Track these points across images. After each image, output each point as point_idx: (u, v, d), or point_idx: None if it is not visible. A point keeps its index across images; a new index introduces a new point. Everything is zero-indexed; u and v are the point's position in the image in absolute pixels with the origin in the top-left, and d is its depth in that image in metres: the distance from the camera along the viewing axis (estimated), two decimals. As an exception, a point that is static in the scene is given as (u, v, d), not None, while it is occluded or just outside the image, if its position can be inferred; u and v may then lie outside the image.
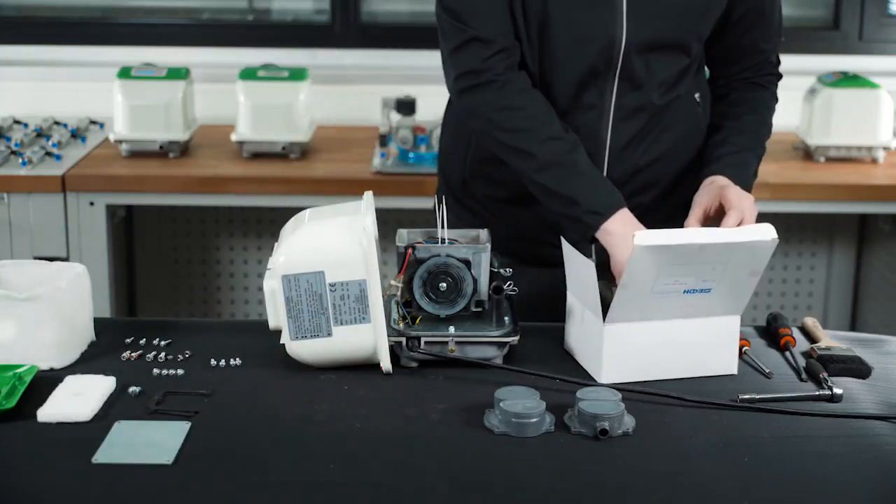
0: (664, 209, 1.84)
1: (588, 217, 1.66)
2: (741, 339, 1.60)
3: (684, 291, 1.51)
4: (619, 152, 1.78)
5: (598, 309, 1.51)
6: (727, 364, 1.55)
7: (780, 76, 1.94)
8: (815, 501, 1.24)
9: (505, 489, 1.24)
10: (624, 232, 1.62)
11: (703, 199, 1.71)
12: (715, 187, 1.72)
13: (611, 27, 1.72)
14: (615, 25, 1.72)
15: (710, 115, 1.89)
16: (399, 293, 1.54)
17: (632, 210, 1.79)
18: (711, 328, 1.53)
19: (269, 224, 3.48)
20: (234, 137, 2.99)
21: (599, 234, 1.66)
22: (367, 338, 1.48)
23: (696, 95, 1.85)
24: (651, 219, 1.81)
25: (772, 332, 1.67)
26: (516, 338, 1.53)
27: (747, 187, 1.76)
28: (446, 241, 1.59)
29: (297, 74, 3.05)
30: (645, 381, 1.49)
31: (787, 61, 3.81)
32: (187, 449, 1.30)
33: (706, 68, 1.92)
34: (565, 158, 1.69)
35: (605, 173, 1.77)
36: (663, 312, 1.51)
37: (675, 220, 1.82)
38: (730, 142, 1.82)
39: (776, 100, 1.93)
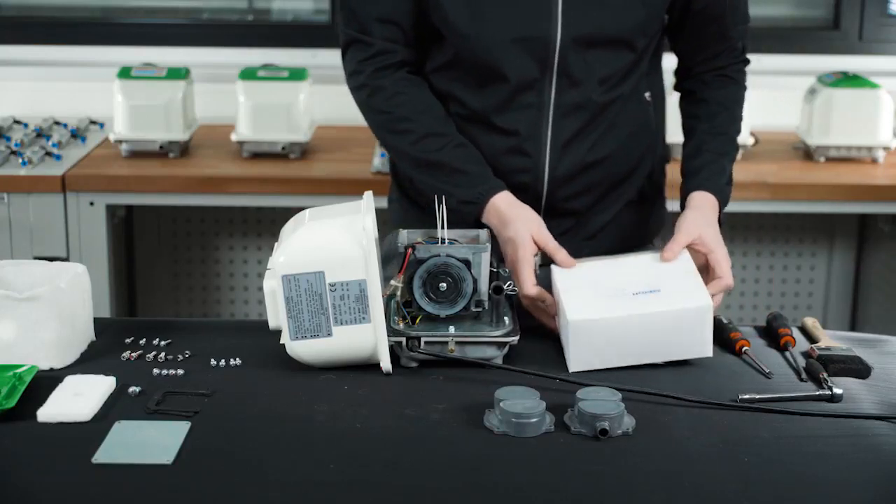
0: (613, 206, 1.88)
1: (465, 207, 1.73)
2: (741, 340, 1.61)
3: (633, 294, 1.57)
4: (561, 150, 1.80)
5: (561, 304, 1.58)
6: (700, 347, 1.56)
7: (747, 62, 1.93)
8: (815, 501, 1.24)
9: (505, 489, 1.24)
10: (500, 218, 1.70)
11: (691, 231, 1.69)
12: (696, 221, 1.72)
13: (544, 26, 1.73)
14: (549, 23, 1.73)
15: (682, 115, 1.92)
16: (399, 293, 1.54)
17: (580, 208, 1.85)
18: (681, 316, 1.55)
19: (269, 224, 3.48)
20: (234, 137, 2.99)
21: (485, 220, 1.73)
22: (367, 338, 1.48)
23: (647, 94, 1.85)
24: (600, 217, 1.87)
25: (772, 332, 1.67)
26: (516, 338, 1.53)
27: (725, 197, 1.81)
28: (446, 241, 1.59)
29: (297, 74, 3.05)
30: (642, 386, 1.49)
31: (787, 61, 3.82)
32: (187, 449, 1.30)
33: (677, 60, 1.94)
34: (435, 156, 1.77)
35: (546, 170, 1.80)
36: (630, 308, 1.55)
37: (624, 217, 1.89)
38: (706, 150, 1.83)
39: (745, 88, 1.94)
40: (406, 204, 1.91)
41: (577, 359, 1.55)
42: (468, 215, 1.74)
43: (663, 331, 1.55)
